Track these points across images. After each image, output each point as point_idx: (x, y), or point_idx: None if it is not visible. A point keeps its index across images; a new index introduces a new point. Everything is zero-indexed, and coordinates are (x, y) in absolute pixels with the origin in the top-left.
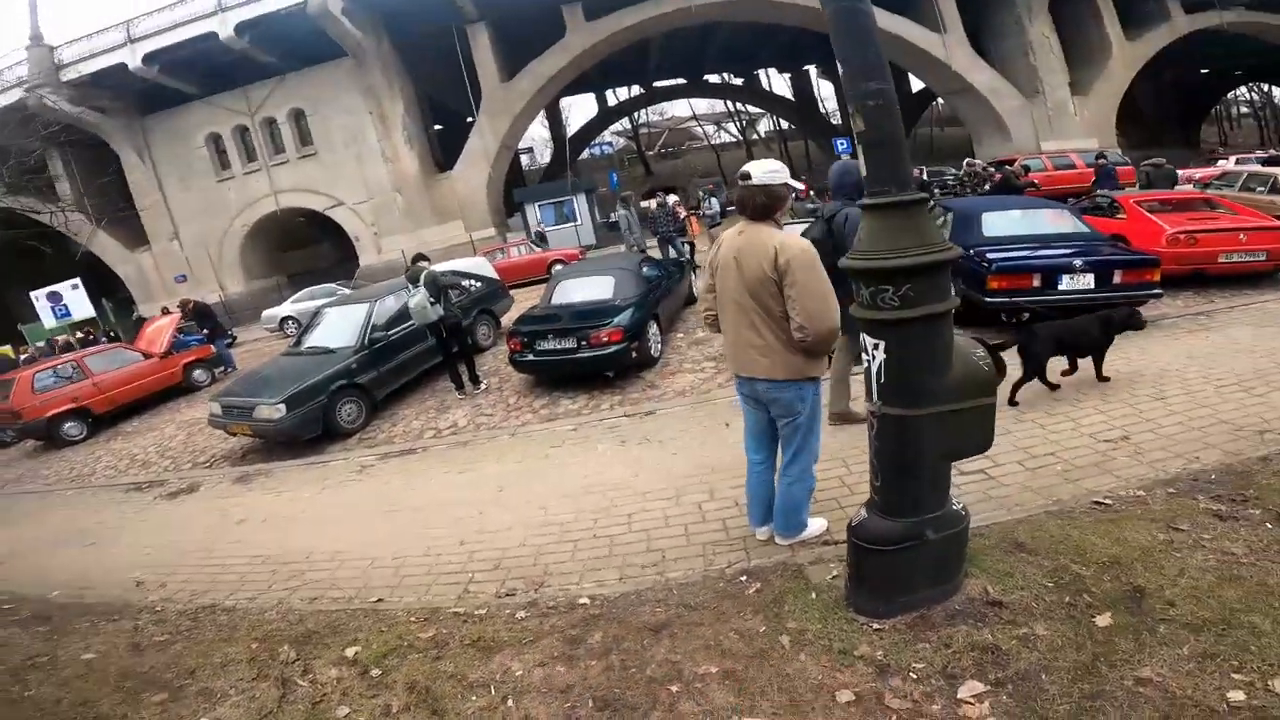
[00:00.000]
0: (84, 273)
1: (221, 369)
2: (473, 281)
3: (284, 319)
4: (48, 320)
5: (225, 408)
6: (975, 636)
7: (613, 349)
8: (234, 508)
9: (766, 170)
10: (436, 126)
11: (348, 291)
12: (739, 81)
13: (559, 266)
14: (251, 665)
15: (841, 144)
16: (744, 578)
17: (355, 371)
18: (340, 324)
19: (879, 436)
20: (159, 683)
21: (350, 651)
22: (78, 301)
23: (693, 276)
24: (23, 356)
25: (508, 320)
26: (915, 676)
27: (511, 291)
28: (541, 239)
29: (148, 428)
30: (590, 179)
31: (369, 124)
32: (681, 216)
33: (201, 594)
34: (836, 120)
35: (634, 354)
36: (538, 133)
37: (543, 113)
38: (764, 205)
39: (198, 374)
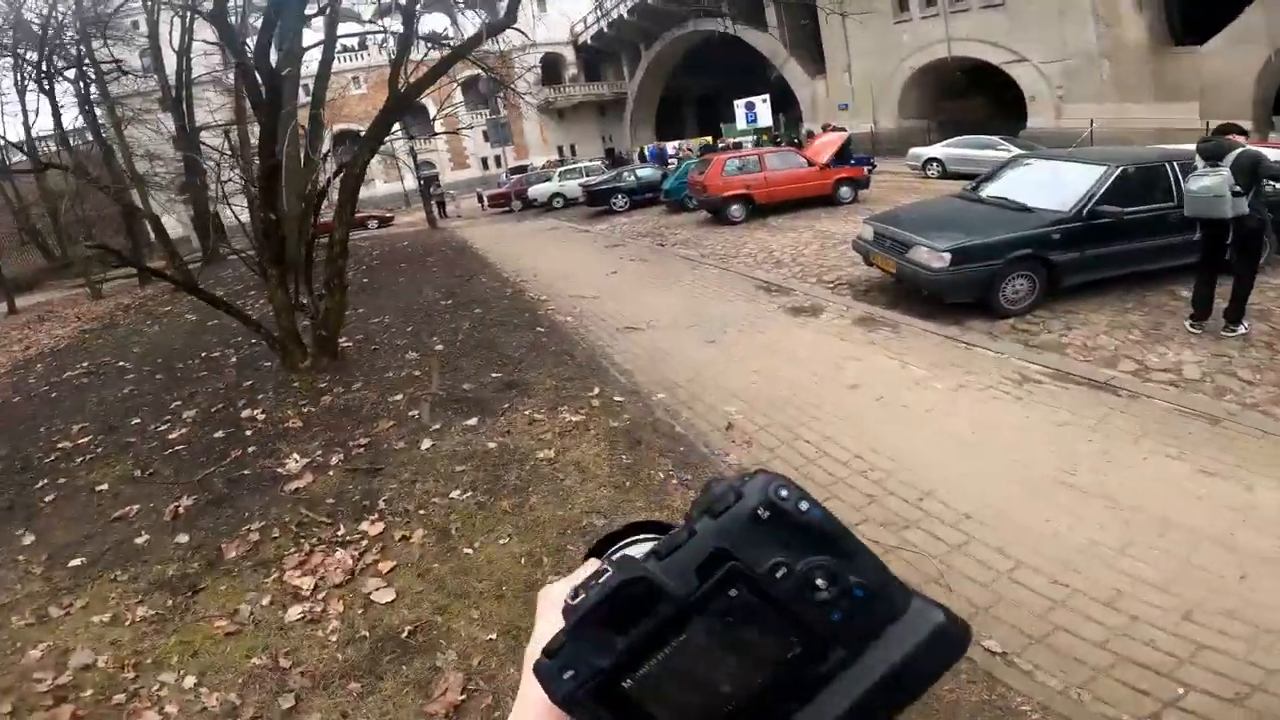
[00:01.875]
0: (772, 91)
1: (863, 189)
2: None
3: (929, 160)
4: (740, 123)
5: (878, 235)
6: None
7: None
8: (849, 362)
9: None
10: None
11: (1010, 147)
12: None
13: None
14: None
15: None
16: None
17: (1052, 244)
18: (1049, 181)
19: None
20: None
21: None
22: (764, 112)
23: None
24: (720, 144)
25: None
26: None
27: None
28: None
29: (789, 227)
30: None
31: None
32: None
33: None
34: None
35: None
36: None
37: None
38: None
39: (844, 191)
